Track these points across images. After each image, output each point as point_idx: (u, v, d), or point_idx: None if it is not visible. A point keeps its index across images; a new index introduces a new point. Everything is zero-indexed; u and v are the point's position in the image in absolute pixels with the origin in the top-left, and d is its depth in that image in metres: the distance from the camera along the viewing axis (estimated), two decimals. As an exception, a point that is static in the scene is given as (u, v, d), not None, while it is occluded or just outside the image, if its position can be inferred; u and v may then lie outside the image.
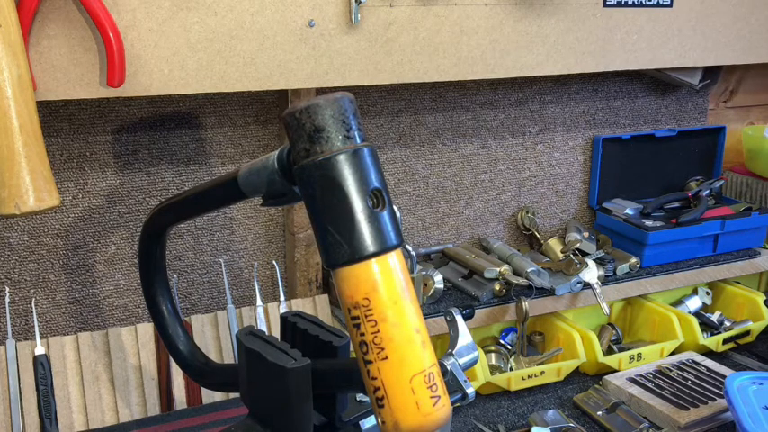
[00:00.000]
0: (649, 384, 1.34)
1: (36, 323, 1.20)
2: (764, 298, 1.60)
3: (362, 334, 0.59)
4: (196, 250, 1.35)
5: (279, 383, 0.73)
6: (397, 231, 0.61)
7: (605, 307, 1.43)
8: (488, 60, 1.32)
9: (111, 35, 1.01)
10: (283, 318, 0.85)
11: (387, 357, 0.58)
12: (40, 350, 1.17)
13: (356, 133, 0.61)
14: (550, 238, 1.62)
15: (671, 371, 1.39)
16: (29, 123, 0.93)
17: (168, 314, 0.93)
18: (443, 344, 1.37)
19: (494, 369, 1.41)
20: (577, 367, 1.41)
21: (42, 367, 1.16)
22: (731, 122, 1.89)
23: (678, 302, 1.62)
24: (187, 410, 1.23)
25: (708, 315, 1.60)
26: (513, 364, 1.42)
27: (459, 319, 0.81)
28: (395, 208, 0.64)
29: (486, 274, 1.44)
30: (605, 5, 1.40)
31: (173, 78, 1.09)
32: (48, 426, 1.15)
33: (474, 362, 0.80)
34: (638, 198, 1.73)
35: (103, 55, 1.03)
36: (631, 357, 1.42)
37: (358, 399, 0.81)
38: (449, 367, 0.77)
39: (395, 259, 0.60)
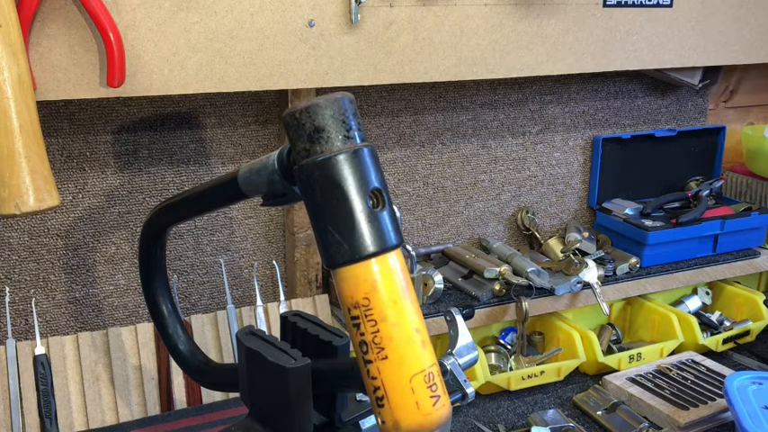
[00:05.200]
0: (649, 384, 1.35)
1: (36, 323, 1.20)
2: (764, 298, 1.59)
3: (362, 334, 0.59)
4: (196, 250, 1.35)
5: (279, 383, 0.73)
6: (397, 231, 0.61)
7: (605, 307, 1.43)
8: (488, 60, 1.32)
9: (111, 35, 1.01)
10: (283, 317, 0.85)
11: (387, 357, 0.58)
12: (40, 350, 1.17)
13: (356, 133, 0.61)
14: (550, 238, 1.62)
15: (671, 371, 1.39)
16: (29, 123, 0.93)
17: (168, 314, 0.93)
18: (443, 344, 1.37)
19: (494, 369, 1.41)
20: (577, 367, 1.41)
21: (42, 367, 1.16)
22: (731, 122, 1.89)
23: (678, 302, 1.62)
24: (187, 410, 1.23)
25: (708, 315, 1.60)
26: (513, 364, 1.43)
27: (459, 318, 0.81)
28: (395, 208, 0.64)
29: (486, 274, 1.44)
30: (605, 5, 1.40)
31: (173, 78, 1.09)
32: (48, 426, 1.15)
33: (474, 362, 0.80)
34: (638, 198, 1.73)
35: (103, 55, 1.03)
36: (631, 357, 1.42)
37: (358, 399, 0.81)
38: (449, 367, 0.77)
39: (395, 259, 0.60)
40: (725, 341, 1.51)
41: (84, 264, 1.28)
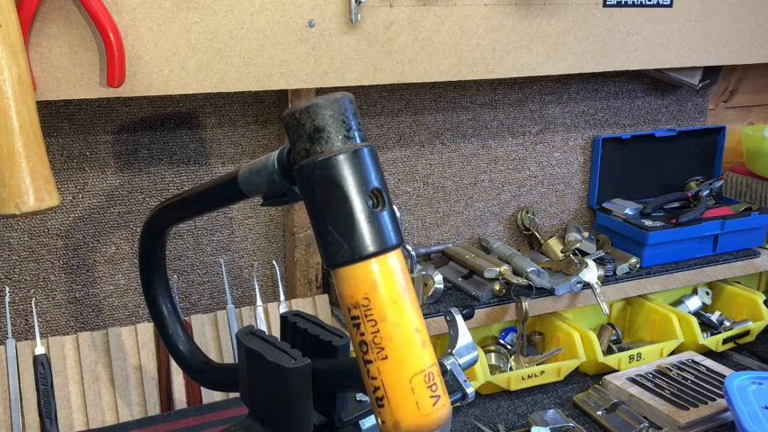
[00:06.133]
0: (649, 384, 1.35)
1: (36, 323, 1.20)
2: (764, 298, 1.59)
3: (362, 334, 0.59)
4: (196, 250, 1.35)
5: (279, 383, 0.73)
6: (397, 231, 0.61)
7: (605, 307, 1.43)
8: (488, 60, 1.32)
9: (111, 35, 1.01)
10: (283, 317, 0.85)
11: (387, 357, 0.58)
12: (40, 350, 1.17)
13: (356, 133, 0.61)
14: (550, 238, 1.62)
15: (671, 371, 1.39)
16: (29, 123, 0.93)
17: (168, 314, 0.93)
18: (443, 344, 1.37)
19: (494, 369, 1.41)
20: (577, 367, 1.41)
21: (42, 367, 1.16)
22: (731, 122, 1.89)
23: (678, 302, 1.62)
24: (187, 410, 1.23)
25: (708, 315, 1.60)
26: (513, 364, 1.43)
27: (459, 318, 0.81)
28: (395, 208, 0.64)
29: (486, 274, 1.44)
30: (605, 5, 1.40)
31: (173, 78, 1.09)
32: (48, 426, 1.15)
33: (474, 362, 0.80)
34: (638, 198, 1.73)
35: (103, 55, 1.03)
36: (631, 357, 1.42)
37: (358, 399, 0.81)
38: (449, 367, 0.77)
39: (395, 259, 0.60)
40: (725, 341, 1.51)
41: (84, 264, 1.28)
